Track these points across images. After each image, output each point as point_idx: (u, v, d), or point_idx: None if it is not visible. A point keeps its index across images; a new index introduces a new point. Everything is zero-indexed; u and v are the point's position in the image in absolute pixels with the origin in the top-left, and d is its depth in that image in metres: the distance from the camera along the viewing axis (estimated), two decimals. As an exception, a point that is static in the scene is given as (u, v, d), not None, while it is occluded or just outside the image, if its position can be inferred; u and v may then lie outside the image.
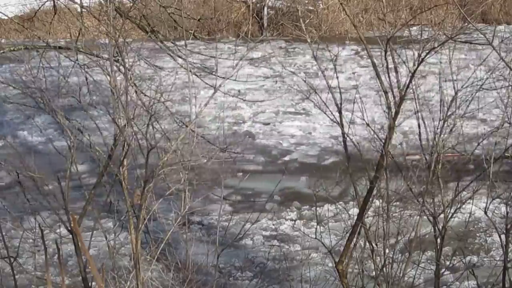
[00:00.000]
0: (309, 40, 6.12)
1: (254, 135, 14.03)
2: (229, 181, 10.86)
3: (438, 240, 5.45)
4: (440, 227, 5.42)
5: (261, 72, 18.28)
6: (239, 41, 13.55)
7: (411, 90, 5.47)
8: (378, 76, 5.55)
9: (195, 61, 10.70)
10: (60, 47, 9.50)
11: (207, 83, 9.86)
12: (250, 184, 11.15)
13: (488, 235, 9.16)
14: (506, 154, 5.71)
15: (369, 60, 5.53)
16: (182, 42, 10.44)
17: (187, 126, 5.71)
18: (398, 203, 5.63)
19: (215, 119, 14.39)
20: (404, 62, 5.52)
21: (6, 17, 15.48)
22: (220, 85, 6.47)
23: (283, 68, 17.21)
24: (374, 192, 5.58)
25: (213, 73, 9.26)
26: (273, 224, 9.78)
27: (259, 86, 17.07)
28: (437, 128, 5.42)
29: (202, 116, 14.50)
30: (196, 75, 9.62)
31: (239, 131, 14.26)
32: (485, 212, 5.46)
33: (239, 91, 16.51)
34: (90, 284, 5.50)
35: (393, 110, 5.45)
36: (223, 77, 6.66)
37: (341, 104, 5.75)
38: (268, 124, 14.82)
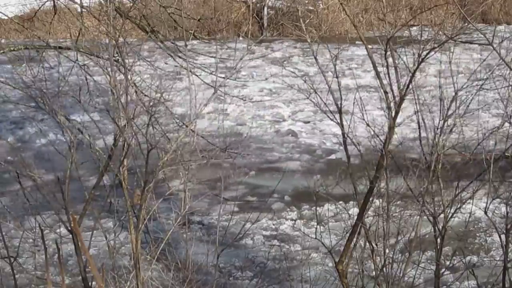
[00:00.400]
0: (309, 40, 6.12)
1: (297, 134, 14.06)
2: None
3: (438, 240, 5.45)
4: (440, 227, 5.42)
5: (286, 72, 18.27)
6: (251, 40, 13.66)
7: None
8: (378, 76, 5.55)
9: (215, 61, 10.66)
10: (60, 47, 9.51)
11: (208, 84, 9.87)
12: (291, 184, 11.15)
13: (488, 235, 9.16)
14: (506, 154, 5.72)
15: (389, 60, 5.51)
16: (194, 42, 10.44)
17: (187, 126, 5.71)
18: (398, 203, 5.63)
19: (254, 117, 14.73)
20: (405, 63, 5.52)
21: (6, 17, 15.48)
22: (220, 85, 6.46)
23: (284, 69, 17.23)
24: (374, 192, 5.58)
25: (214, 73, 9.25)
26: (274, 224, 9.78)
27: (287, 85, 17.09)
28: (437, 128, 5.42)
29: (242, 114, 14.79)
30: (196, 75, 9.62)
31: (281, 129, 14.32)
32: (485, 212, 5.46)
33: (270, 90, 16.73)
34: (90, 284, 5.50)
35: (393, 110, 5.45)
36: (223, 77, 6.66)
37: (341, 104, 5.75)
38: (308, 122, 14.79)
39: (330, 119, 5.79)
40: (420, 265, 5.92)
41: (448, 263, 6.63)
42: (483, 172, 5.44)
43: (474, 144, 5.74)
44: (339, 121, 5.73)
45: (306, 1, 23.93)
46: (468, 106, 5.51)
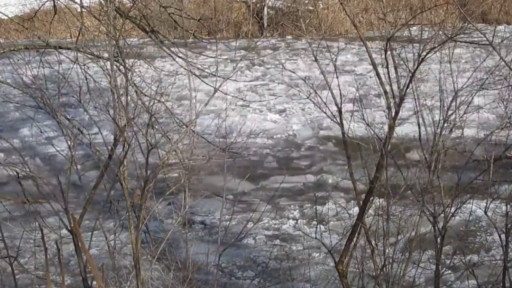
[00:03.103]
0: (309, 41, 6.12)
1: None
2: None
3: (438, 239, 5.45)
4: (440, 227, 5.42)
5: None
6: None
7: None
8: (378, 76, 5.55)
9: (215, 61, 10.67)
10: (60, 47, 9.51)
11: (208, 84, 9.87)
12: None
13: (488, 234, 9.15)
14: (507, 154, 5.72)
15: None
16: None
17: (187, 126, 5.71)
18: (398, 203, 5.63)
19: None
20: (405, 63, 5.52)
21: (6, 17, 15.49)
22: (220, 85, 6.46)
23: (284, 68, 17.29)
24: (374, 192, 5.57)
25: (214, 73, 9.27)
26: (275, 224, 9.78)
27: (287, 85, 17.30)
28: (437, 128, 5.42)
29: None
30: (196, 75, 9.63)
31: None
32: (485, 212, 5.46)
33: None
34: (90, 284, 5.50)
35: (393, 110, 5.45)
36: (223, 77, 6.66)
37: (341, 104, 5.75)
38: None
39: (331, 119, 5.79)
40: (420, 265, 5.92)
41: (448, 262, 6.63)
42: (483, 172, 5.44)
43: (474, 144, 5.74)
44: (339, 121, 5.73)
45: (306, 1, 23.96)
46: (468, 106, 5.51)
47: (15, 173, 5.48)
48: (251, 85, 17.71)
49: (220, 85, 6.41)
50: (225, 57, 15.49)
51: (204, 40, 14.02)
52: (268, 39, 23.33)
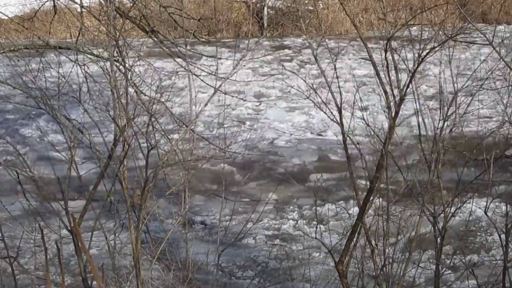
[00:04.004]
0: (309, 40, 6.12)
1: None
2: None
3: (438, 240, 5.45)
4: (440, 227, 5.42)
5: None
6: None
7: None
8: (378, 75, 5.55)
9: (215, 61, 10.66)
10: (60, 47, 9.51)
11: (208, 84, 9.88)
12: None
13: (488, 234, 9.15)
14: (507, 154, 5.71)
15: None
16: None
17: (187, 126, 5.71)
18: (398, 202, 5.63)
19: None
20: (405, 63, 5.52)
21: (6, 17, 15.49)
22: (220, 85, 6.48)
23: (284, 69, 17.30)
24: (374, 192, 5.57)
25: (213, 73, 9.27)
26: (275, 224, 9.77)
27: (286, 85, 17.40)
28: (437, 128, 5.42)
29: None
30: (196, 75, 9.63)
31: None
32: (485, 212, 5.46)
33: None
34: (90, 284, 5.50)
35: (393, 110, 5.45)
36: (223, 77, 6.67)
37: (341, 104, 5.75)
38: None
39: (330, 119, 5.79)
40: (420, 265, 5.92)
41: (448, 262, 6.62)
42: (483, 172, 5.44)
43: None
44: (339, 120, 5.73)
45: (306, 1, 23.97)
46: (468, 106, 5.51)
47: (15, 173, 5.48)
48: (314, 82, 17.75)
49: (220, 85, 6.42)
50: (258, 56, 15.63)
51: (203, 41, 14.01)
52: (293, 39, 23.34)
